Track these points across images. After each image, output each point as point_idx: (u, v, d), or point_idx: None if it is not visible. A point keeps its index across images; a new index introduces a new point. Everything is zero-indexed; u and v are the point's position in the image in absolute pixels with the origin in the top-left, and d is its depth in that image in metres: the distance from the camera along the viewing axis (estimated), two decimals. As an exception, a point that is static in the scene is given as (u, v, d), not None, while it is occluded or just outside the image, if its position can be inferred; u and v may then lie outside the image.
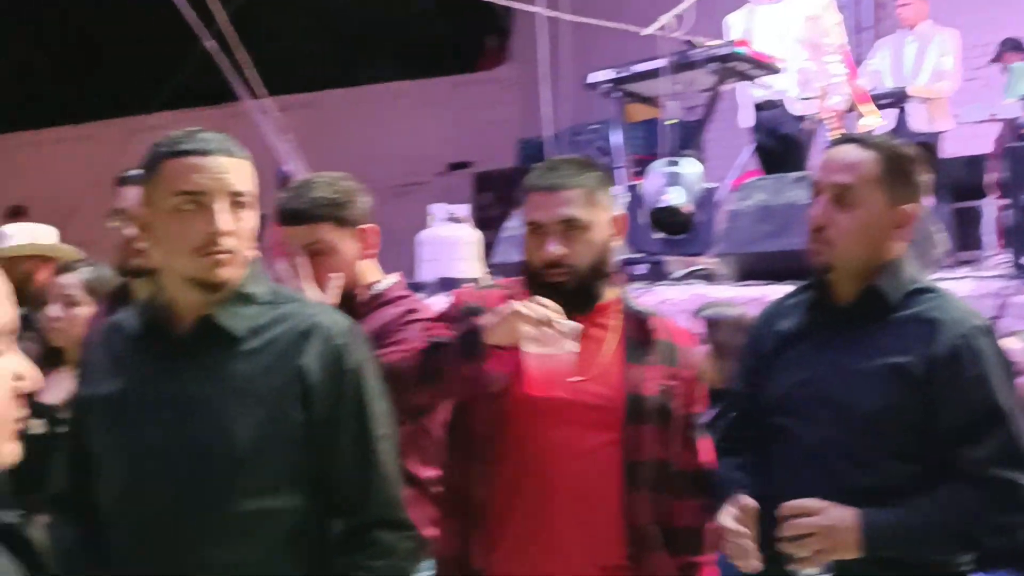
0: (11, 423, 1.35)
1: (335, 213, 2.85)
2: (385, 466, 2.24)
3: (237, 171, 2.16)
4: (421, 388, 2.60)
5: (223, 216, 2.12)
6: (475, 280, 5.89)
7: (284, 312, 2.22)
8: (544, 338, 2.42)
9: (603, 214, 2.68)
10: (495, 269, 6.31)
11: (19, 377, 1.36)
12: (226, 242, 2.13)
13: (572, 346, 2.44)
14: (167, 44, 8.64)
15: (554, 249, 2.62)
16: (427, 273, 6.18)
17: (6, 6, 10.30)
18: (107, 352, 2.28)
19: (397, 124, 11.56)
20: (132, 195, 2.96)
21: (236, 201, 2.14)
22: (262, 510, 2.13)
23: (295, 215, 2.85)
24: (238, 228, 2.14)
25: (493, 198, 10.26)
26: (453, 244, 6.33)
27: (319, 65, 11.35)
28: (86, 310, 3.47)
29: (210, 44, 6.44)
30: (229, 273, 2.15)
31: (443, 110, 12.11)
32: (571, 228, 2.62)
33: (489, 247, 6.70)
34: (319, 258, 2.83)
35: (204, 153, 2.14)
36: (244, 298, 2.20)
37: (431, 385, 2.60)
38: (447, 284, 5.91)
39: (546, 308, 2.43)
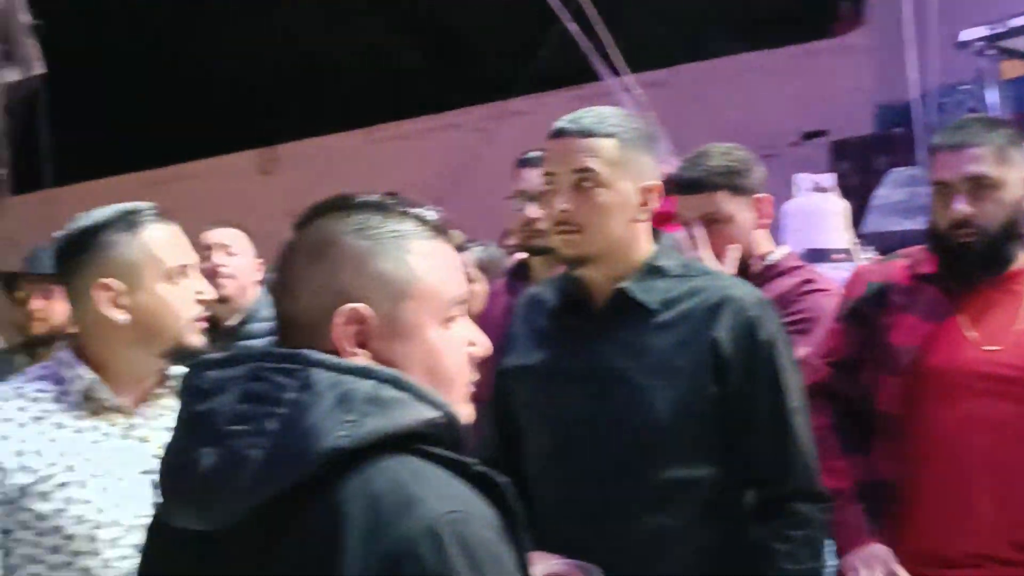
0: (466, 385, 1.44)
1: (732, 182, 2.85)
2: (800, 437, 2.23)
3: (586, 150, 2.20)
4: None
5: (558, 196, 2.20)
6: (845, 251, 5.72)
7: (695, 285, 2.24)
8: None
9: (1015, 172, 2.54)
10: (865, 239, 6.11)
11: (472, 343, 1.45)
12: (570, 219, 2.20)
13: None
14: (525, 28, 8.89)
15: (961, 208, 2.51)
16: (793, 244, 6.04)
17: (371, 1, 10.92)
18: (528, 325, 2.38)
19: (748, 96, 11.39)
20: (531, 176, 3.07)
21: (583, 179, 2.19)
22: (680, 479, 2.18)
23: (691, 184, 2.87)
24: (582, 205, 2.19)
25: (851, 167, 9.94)
26: (820, 214, 6.16)
27: (668, 42, 11.35)
28: (480, 287, 3.63)
29: (571, 25, 6.57)
30: (577, 249, 2.21)
31: (795, 79, 11.83)
32: (980, 186, 2.50)
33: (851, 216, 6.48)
34: (715, 227, 2.83)
35: (557, 135, 2.23)
36: (656, 271, 2.24)
37: None
38: (815, 255, 5.77)
39: None
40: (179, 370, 2.16)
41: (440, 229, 1.42)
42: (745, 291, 2.25)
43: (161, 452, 2.02)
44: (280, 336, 1.40)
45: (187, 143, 11.19)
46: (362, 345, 1.34)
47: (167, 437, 2.04)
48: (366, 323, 1.34)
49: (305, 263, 1.38)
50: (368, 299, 1.34)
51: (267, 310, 3.68)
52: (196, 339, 2.12)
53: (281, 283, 1.41)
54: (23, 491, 1.94)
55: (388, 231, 1.37)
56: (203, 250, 3.67)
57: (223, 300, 3.64)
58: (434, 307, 1.38)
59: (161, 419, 2.11)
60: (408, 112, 11.18)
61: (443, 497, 1.23)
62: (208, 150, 11.39)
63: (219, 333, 3.59)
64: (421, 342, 1.37)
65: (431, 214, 1.43)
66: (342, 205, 1.40)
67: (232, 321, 3.67)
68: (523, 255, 3.31)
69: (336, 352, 1.32)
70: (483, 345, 1.45)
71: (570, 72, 8.52)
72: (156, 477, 2.00)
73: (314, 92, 10.98)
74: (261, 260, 3.79)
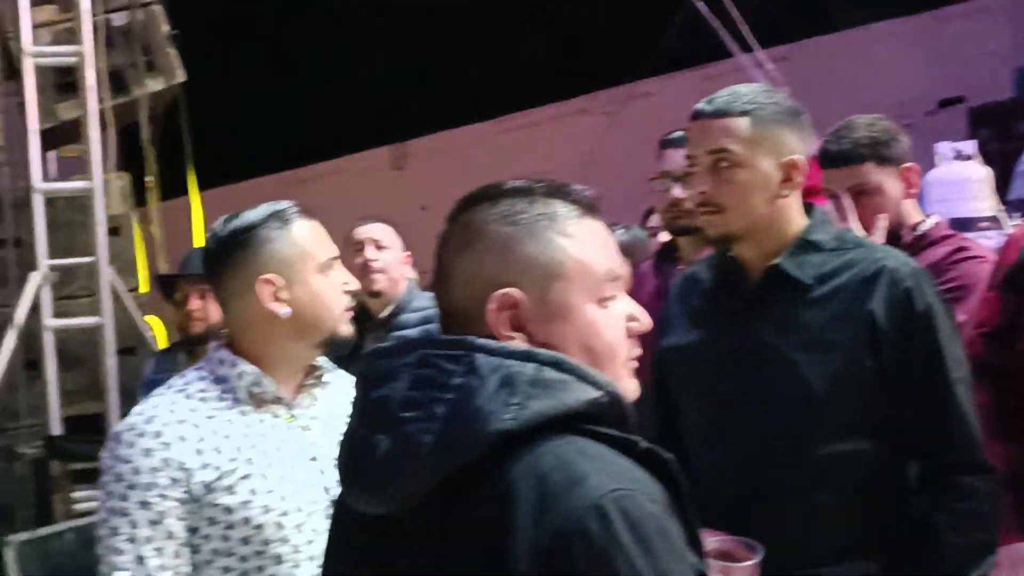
0: (628, 361, 1.45)
1: (878, 152, 2.82)
2: (962, 407, 2.18)
3: (721, 130, 2.20)
4: None
5: (694, 178, 2.24)
6: (991, 218, 5.57)
7: (850, 258, 2.21)
8: None
9: None
10: (1011, 206, 5.94)
11: (632, 318, 1.46)
12: (710, 200, 2.20)
13: None
14: (650, 10, 8.85)
15: None
16: (937, 214, 5.91)
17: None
18: (684, 305, 2.39)
19: (881, 66, 11.17)
20: (674, 157, 3.06)
21: (719, 159, 2.20)
22: (838, 454, 2.16)
23: (837, 157, 2.84)
24: (721, 186, 2.20)
25: (991, 133, 9.66)
26: (963, 183, 6.01)
27: (797, 16, 11.19)
28: (624, 270, 3.64)
29: (700, 4, 6.52)
30: (719, 229, 2.22)
31: (928, 46, 11.56)
32: None
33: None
34: (863, 199, 2.80)
35: (695, 117, 2.24)
36: (809, 246, 2.23)
37: None
38: (960, 224, 5.63)
39: None
40: (325, 361, 2.23)
41: (590, 207, 1.43)
42: (900, 261, 2.22)
43: (320, 439, 2.11)
44: (442, 326, 1.43)
45: (320, 143, 11.41)
46: (518, 329, 1.36)
47: (322, 425, 2.12)
48: (519, 307, 1.36)
49: (455, 254, 1.41)
50: (518, 283, 1.36)
51: (418, 301, 3.77)
52: (347, 329, 2.17)
53: (436, 275, 1.44)
54: (208, 488, 2.00)
55: (534, 215, 1.39)
56: (352, 245, 3.77)
57: (375, 294, 3.73)
58: (587, 285, 1.39)
59: (313, 408, 2.17)
60: (536, 100, 11.22)
61: (609, 474, 1.25)
62: (340, 149, 11.60)
63: (372, 325, 3.69)
64: (577, 321, 1.39)
65: (579, 194, 1.44)
66: (489, 194, 1.42)
67: (384, 313, 3.77)
68: (669, 236, 3.31)
69: (494, 339, 1.34)
70: (643, 320, 1.46)
71: (698, 51, 8.46)
72: (321, 462, 2.08)
73: (442, 86, 11.08)
74: (408, 253, 3.88)
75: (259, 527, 2.01)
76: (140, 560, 1.97)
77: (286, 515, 2.03)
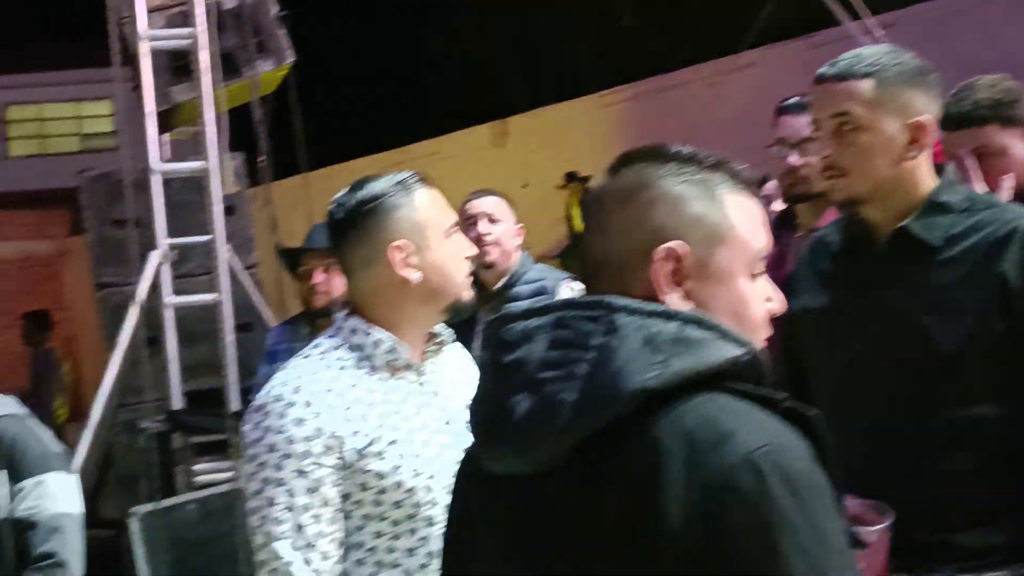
0: (764, 340, 1.45)
1: (1001, 113, 2.76)
2: None
3: (843, 93, 2.18)
4: None
5: (818, 143, 2.23)
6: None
7: (981, 219, 2.17)
8: None
9: None
10: None
11: (769, 299, 1.47)
12: (834, 164, 2.19)
13: None
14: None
15: None
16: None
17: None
18: (813, 268, 2.38)
19: (992, 30, 10.89)
20: (790, 124, 3.04)
21: (842, 123, 2.18)
22: (968, 418, 2.12)
23: (959, 119, 2.78)
24: (844, 149, 2.18)
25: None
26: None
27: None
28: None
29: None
30: (843, 193, 2.21)
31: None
32: None
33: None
34: (987, 161, 2.75)
35: (817, 81, 2.22)
36: (939, 207, 2.19)
37: None
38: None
39: None
40: (443, 328, 2.26)
41: (749, 183, 1.45)
42: None
43: (448, 403, 2.14)
44: (587, 279, 1.44)
45: (420, 123, 11.50)
46: (678, 284, 1.37)
47: (448, 389, 2.16)
48: (681, 262, 1.37)
49: (619, 205, 1.41)
50: (685, 239, 1.37)
51: (531, 273, 3.82)
52: (468, 294, 2.21)
53: (592, 227, 1.45)
54: (360, 454, 2.04)
55: (704, 178, 1.41)
56: (465, 219, 3.82)
57: (489, 266, 3.79)
58: (745, 257, 1.41)
59: (436, 374, 2.21)
60: (637, 74, 11.13)
61: (756, 431, 1.26)
62: (441, 128, 11.66)
63: (486, 297, 3.74)
64: (732, 288, 1.40)
65: (740, 171, 1.45)
66: (656, 153, 1.44)
67: (498, 285, 3.82)
68: (784, 204, 3.29)
69: (648, 292, 1.36)
70: (778, 302, 1.47)
71: (803, 20, 8.34)
72: (454, 425, 2.12)
73: (542, 62, 11.07)
74: (520, 225, 3.92)
75: (410, 491, 2.05)
76: (299, 528, 2.01)
77: (433, 478, 2.07)
